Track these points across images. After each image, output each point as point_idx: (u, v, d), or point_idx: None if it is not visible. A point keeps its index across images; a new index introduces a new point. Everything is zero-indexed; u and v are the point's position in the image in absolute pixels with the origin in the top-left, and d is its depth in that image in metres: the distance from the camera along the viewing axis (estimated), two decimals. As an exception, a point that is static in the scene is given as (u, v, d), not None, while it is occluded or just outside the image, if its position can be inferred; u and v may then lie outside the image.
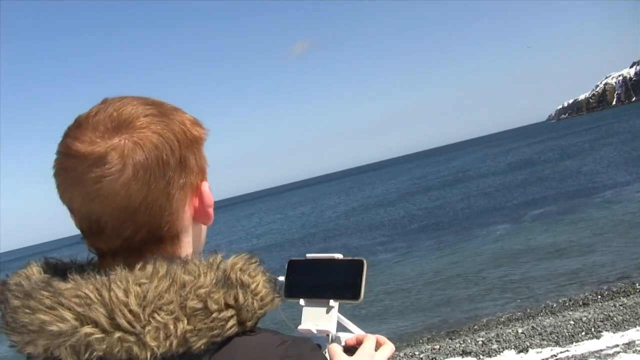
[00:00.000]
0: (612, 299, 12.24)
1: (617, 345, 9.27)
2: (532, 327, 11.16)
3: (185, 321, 0.93)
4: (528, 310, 13.25)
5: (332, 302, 1.36)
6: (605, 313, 10.89)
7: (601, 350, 9.27)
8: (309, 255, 1.43)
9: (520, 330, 11.09)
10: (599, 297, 12.74)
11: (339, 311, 1.36)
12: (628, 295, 12.21)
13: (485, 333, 11.73)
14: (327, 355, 1.29)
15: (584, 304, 12.50)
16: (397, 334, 13.76)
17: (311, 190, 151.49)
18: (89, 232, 1.03)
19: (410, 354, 11.38)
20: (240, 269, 1.01)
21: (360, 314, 15.42)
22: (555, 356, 9.52)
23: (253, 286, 1.00)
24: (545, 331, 10.69)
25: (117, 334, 0.92)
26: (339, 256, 1.39)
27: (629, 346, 9.07)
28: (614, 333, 9.91)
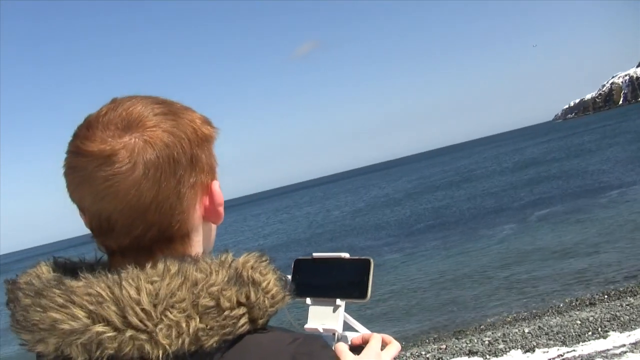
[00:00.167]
0: (619, 298, 12.19)
1: (624, 345, 9.24)
2: (539, 326, 11.14)
3: (198, 319, 0.93)
4: (534, 310, 13.21)
5: (338, 301, 1.36)
6: (612, 313, 10.86)
7: (608, 350, 9.25)
8: (316, 255, 1.43)
9: (526, 330, 11.07)
10: (606, 296, 12.70)
11: (345, 310, 1.37)
12: (635, 295, 12.16)
13: (492, 333, 11.71)
14: None
15: (590, 303, 12.46)
16: (404, 334, 13.74)
17: (317, 190, 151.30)
18: (99, 231, 1.03)
19: (416, 353, 11.37)
20: (252, 267, 1.01)
21: (367, 314, 15.41)
22: (562, 356, 9.50)
23: (264, 284, 1.00)
24: (552, 331, 10.67)
25: (129, 332, 0.91)
26: (346, 255, 1.40)
27: (636, 346, 9.04)
28: (620, 333, 9.89)
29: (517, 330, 11.23)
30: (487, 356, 10.33)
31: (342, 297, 1.36)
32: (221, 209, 1.11)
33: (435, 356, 10.98)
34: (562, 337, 10.24)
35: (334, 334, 1.34)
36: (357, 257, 1.39)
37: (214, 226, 1.15)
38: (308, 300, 1.38)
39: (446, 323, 14.15)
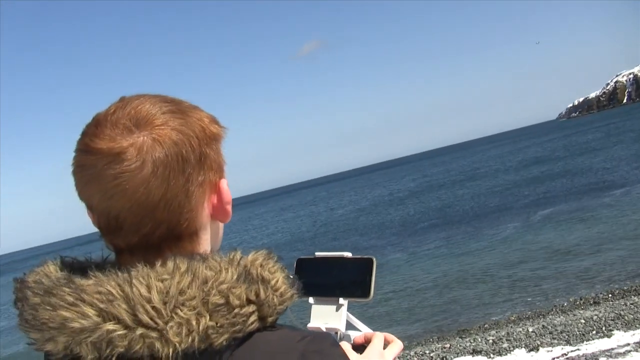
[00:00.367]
0: (623, 297, 12.17)
1: (629, 344, 9.23)
2: (543, 325, 11.12)
3: (208, 317, 0.93)
4: (538, 309, 13.20)
5: (341, 301, 1.36)
6: (616, 312, 10.84)
7: (612, 349, 9.24)
8: (318, 254, 1.43)
9: (530, 329, 11.06)
10: (610, 295, 12.68)
11: (348, 309, 1.37)
12: (639, 294, 12.15)
13: (496, 332, 11.70)
14: None
15: (594, 302, 12.44)
16: (408, 333, 13.74)
17: (321, 189, 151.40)
18: (107, 229, 1.03)
19: (420, 352, 11.36)
20: (261, 265, 1.01)
21: (371, 313, 15.41)
22: (566, 355, 9.49)
23: (273, 282, 1.01)
24: (556, 330, 10.66)
25: (140, 330, 0.91)
26: (348, 255, 1.40)
27: (641, 345, 9.03)
28: (625, 332, 9.87)
29: (521, 329, 11.22)
30: (491, 355, 10.32)
31: (344, 297, 1.36)
32: (229, 208, 1.11)
33: (439, 355, 10.97)
34: (566, 336, 10.23)
35: (336, 333, 1.34)
36: (359, 257, 1.39)
37: (221, 224, 1.15)
38: (311, 300, 1.38)
39: (450, 322, 14.15)
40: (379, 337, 1.32)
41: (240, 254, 1.03)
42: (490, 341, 10.97)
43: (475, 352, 10.64)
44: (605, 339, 9.79)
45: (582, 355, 9.25)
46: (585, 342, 9.82)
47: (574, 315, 11.52)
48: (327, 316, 1.36)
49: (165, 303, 0.93)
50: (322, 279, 1.39)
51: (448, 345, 11.46)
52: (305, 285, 1.30)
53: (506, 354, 10.20)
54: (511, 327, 11.92)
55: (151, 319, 0.92)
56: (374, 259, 1.37)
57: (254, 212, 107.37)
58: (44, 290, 0.98)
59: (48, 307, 0.95)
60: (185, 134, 1.02)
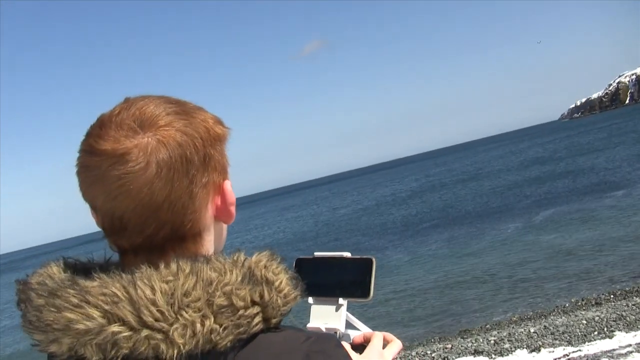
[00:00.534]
0: (624, 298, 12.17)
1: (630, 345, 9.23)
2: (545, 326, 11.12)
3: (212, 318, 0.93)
4: (540, 310, 13.20)
5: (341, 301, 1.36)
6: (618, 312, 10.83)
7: (614, 349, 9.23)
8: (317, 254, 1.43)
9: (532, 330, 11.05)
10: (612, 296, 12.67)
11: (347, 309, 1.37)
12: (641, 295, 12.14)
13: (498, 332, 11.70)
14: None
15: (596, 303, 12.44)
16: (409, 334, 13.75)
17: (324, 189, 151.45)
18: (111, 230, 1.03)
19: (422, 353, 11.37)
20: (264, 266, 1.01)
21: (372, 313, 15.42)
22: (568, 356, 9.48)
23: (277, 283, 1.01)
24: (558, 330, 10.65)
25: (145, 332, 0.91)
26: (347, 255, 1.40)
27: (642, 346, 9.02)
28: (626, 333, 9.87)
29: (522, 330, 11.22)
30: (493, 356, 10.32)
31: (344, 297, 1.36)
32: (233, 209, 1.11)
33: (440, 355, 10.97)
34: (568, 337, 10.22)
35: (336, 333, 1.34)
36: (359, 257, 1.39)
37: (225, 225, 1.15)
38: (310, 300, 1.38)
39: (451, 322, 14.15)
40: (378, 337, 1.32)
41: (244, 255, 1.03)
42: (492, 342, 10.97)
43: (476, 352, 10.64)
44: (607, 339, 9.78)
45: (584, 356, 9.24)
46: (586, 343, 9.82)
47: (576, 316, 11.51)
48: (326, 316, 1.36)
49: (169, 305, 0.93)
50: (321, 279, 1.39)
51: (450, 346, 11.46)
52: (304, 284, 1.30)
53: (508, 355, 10.20)
54: (513, 327, 11.92)
55: (156, 320, 0.92)
56: (374, 259, 1.37)
57: (255, 211, 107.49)
58: (48, 291, 0.98)
59: (52, 309, 0.95)
60: (190, 135, 1.02)
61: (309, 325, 1.36)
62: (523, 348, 10.26)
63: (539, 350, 9.98)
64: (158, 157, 0.98)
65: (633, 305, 11.15)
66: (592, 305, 12.32)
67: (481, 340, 11.29)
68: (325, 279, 1.39)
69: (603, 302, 12.40)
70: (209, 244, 1.09)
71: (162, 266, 0.97)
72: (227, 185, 1.10)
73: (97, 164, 0.99)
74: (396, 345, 1.33)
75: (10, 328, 27.16)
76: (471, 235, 25.77)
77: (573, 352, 9.58)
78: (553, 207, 27.77)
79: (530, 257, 18.86)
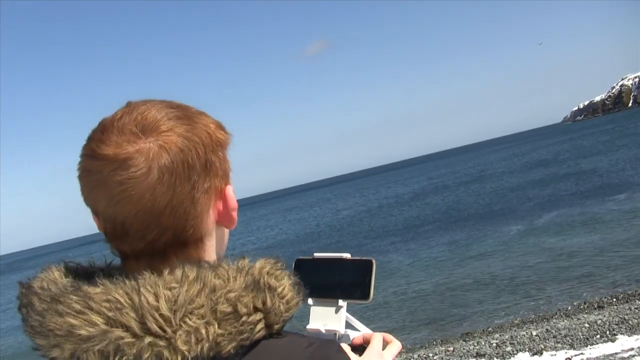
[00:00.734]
0: (627, 302, 12.16)
1: (632, 349, 9.22)
2: (547, 329, 11.12)
3: (216, 325, 0.93)
4: (542, 313, 13.20)
5: (340, 302, 1.36)
6: (621, 316, 10.82)
7: (616, 353, 9.22)
8: (317, 255, 1.43)
9: (534, 333, 11.05)
10: (614, 300, 12.67)
11: (347, 310, 1.36)
12: (644, 299, 12.13)
13: (500, 335, 11.70)
14: None
15: (599, 306, 12.43)
16: (411, 336, 13.76)
17: (326, 190, 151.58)
18: (113, 235, 1.03)
19: (424, 355, 11.37)
20: (268, 273, 1.02)
21: (373, 315, 15.42)
22: (570, 359, 9.48)
23: (280, 289, 1.01)
24: (560, 334, 10.65)
25: (148, 339, 0.91)
26: (347, 256, 1.39)
27: (645, 350, 9.01)
28: (629, 336, 9.86)
29: (524, 333, 11.21)
30: (495, 359, 10.32)
31: (344, 298, 1.36)
32: (235, 214, 1.11)
33: (442, 358, 10.98)
34: (570, 340, 10.22)
35: (335, 334, 1.34)
36: (359, 258, 1.38)
37: (226, 231, 1.15)
38: (310, 301, 1.37)
39: (453, 325, 14.14)
40: (377, 338, 1.32)
41: (248, 261, 1.03)
42: (494, 345, 10.96)
43: (478, 355, 10.63)
44: (609, 343, 9.78)
45: (586, 360, 9.24)
46: (589, 346, 9.81)
47: (578, 319, 11.50)
48: (326, 317, 1.36)
49: (174, 312, 0.93)
50: (321, 279, 1.38)
51: (451, 349, 11.46)
52: (304, 286, 1.30)
53: (510, 358, 10.19)
54: (515, 330, 11.91)
55: (160, 327, 0.92)
56: (374, 261, 1.37)
57: (257, 212, 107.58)
58: (51, 297, 0.97)
59: (55, 314, 0.95)
60: (192, 141, 1.02)
61: (308, 326, 1.36)
62: (525, 351, 10.26)
63: (541, 354, 9.97)
64: (160, 162, 0.98)
65: (636, 308, 11.15)
66: (595, 309, 12.32)
67: (483, 343, 11.29)
68: (325, 280, 1.38)
69: (605, 305, 12.39)
70: (210, 249, 1.09)
71: (165, 272, 0.97)
72: (229, 190, 1.09)
73: (98, 168, 0.99)
74: (396, 346, 1.33)
75: (12, 329, 27.20)
76: (473, 237, 25.77)
77: (575, 355, 9.57)
78: (556, 210, 27.75)
79: (532, 260, 18.85)
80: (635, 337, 9.77)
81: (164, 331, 0.92)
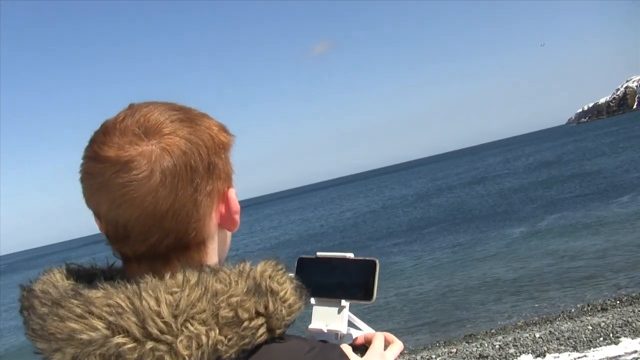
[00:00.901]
0: (631, 304, 12.14)
1: (636, 352, 9.20)
2: (550, 331, 11.09)
3: (217, 330, 0.93)
4: (545, 315, 13.17)
5: (343, 302, 1.35)
6: (624, 319, 10.79)
7: (619, 356, 9.20)
8: (320, 254, 1.42)
9: (537, 335, 11.02)
10: (618, 302, 12.64)
11: (349, 310, 1.36)
12: (647, 301, 12.10)
13: (503, 337, 11.67)
14: None
15: (602, 309, 12.40)
16: (414, 337, 13.74)
17: (331, 191, 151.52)
18: (115, 237, 1.03)
19: (427, 357, 11.35)
20: (269, 277, 1.01)
21: (376, 316, 15.41)
22: (573, 361, 9.45)
23: (282, 293, 1.01)
24: (563, 336, 10.62)
25: (149, 344, 0.91)
26: (351, 255, 1.39)
27: (648, 352, 8.99)
28: (632, 339, 9.83)
29: (528, 335, 11.19)
30: (498, 360, 10.29)
31: (347, 298, 1.35)
32: (237, 217, 1.11)
33: (445, 360, 10.95)
34: (573, 342, 10.19)
35: (337, 335, 1.33)
36: (362, 258, 1.38)
37: (229, 233, 1.15)
38: (312, 300, 1.37)
39: (456, 327, 14.12)
40: (379, 338, 1.32)
41: (250, 265, 1.03)
42: (497, 346, 10.94)
43: (481, 357, 10.61)
44: (613, 345, 9.75)
45: (589, 362, 9.22)
46: (592, 349, 9.79)
47: (581, 321, 11.48)
48: (328, 318, 1.35)
49: (175, 316, 0.92)
50: (323, 279, 1.38)
51: (454, 350, 11.44)
52: (306, 285, 1.30)
53: (513, 360, 10.17)
54: (518, 332, 11.89)
55: (161, 332, 0.91)
56: (377, 261, 1.36)
57: (261, 213, 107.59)
58: (52, 301, 0.97)
59: (56, 318, 0.95)
60: (194, 143, 1.01)
61: (310, 326, 1.36)
62: (528, 353, 10.23)
63: (544, 356, 9.95)
64: (162, 165, 0.97)
65: (639, 311, 11.11)
66: (598, 311, 12.29)
67: (486, 344, 11.27)
68: (327, 280, 1.38)
69: (609, 307, 12.36)
70: (212, 252, 1.08)
71: (167, 276, 0.96)
72: (232, 193, 1.09)
73: (100, 171, 0.99)
74: (397, 346, 1.33)
75: (13, 329, 27.24)
76: (477, 239, 25.74)
77: (578, 357, 9.55)
78: (559, 212, 27.71)
79: (535, 262, 18.82)
80: (639, 339, 9.75)
81: (165, 336, 0.91)
